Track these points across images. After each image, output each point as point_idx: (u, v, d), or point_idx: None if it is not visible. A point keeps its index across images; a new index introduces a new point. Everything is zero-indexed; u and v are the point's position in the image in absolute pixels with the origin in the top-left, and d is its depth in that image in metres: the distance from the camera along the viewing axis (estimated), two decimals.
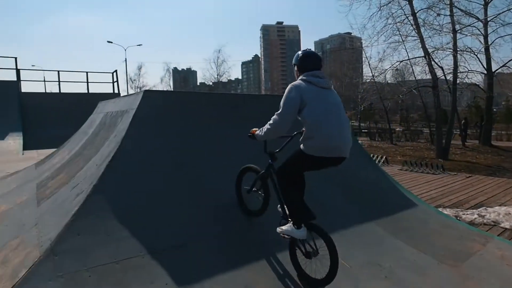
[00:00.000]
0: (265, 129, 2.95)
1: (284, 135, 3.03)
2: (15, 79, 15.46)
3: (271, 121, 2.89)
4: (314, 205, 3.96)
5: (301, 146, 2.83)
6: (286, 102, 2.81)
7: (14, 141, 12.20)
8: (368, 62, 23.38)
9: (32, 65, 42.79)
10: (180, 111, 4.13)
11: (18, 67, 15.66)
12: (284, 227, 2.97)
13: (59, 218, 3.01)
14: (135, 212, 3.05)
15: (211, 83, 61.78)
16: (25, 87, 15.61)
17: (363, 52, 24.57)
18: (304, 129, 2.84)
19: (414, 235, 4.12)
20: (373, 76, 22.25)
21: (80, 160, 4.31)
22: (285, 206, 3.04)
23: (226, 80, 67.02)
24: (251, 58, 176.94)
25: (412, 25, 16.60)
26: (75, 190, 3.34)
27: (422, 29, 16.35)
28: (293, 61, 3.08)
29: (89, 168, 3.61)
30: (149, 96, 3.93)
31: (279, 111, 2.83)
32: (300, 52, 3.08)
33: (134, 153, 3.47)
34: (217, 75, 59.26)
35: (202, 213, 3.35)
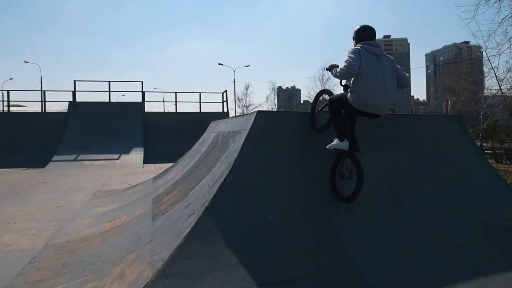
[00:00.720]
0: (338, 72, 3.44)
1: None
2: (140, 100, 17.40)
3: (342, 67, 3.37)
4: (445, 245, 3.39)
5: (348, 95, 3.44)
6: (352, 56, 3.32)
7: (137, 155, 13.63)
8: (495, 73, 20.38)
9: (155, 88, 48.30)
10: (294, 133, 3.92)
11: (143, 90, 17.62)
12: (332, 143, 3.64)
13: (171, 237, 3.02)
14: (246, 239, 2.89)
15: None
16: (148, 107, 17.47)
17: (489, 62, 21.45)
18: (352, 83, 3.42)
19: None
20: (500, 89, 19.43)
21: (193, 178, 4.39)
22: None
23: None
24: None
25: None
26: (187, 209, 3.35)
27: None
28: (352, 36, 3.63)
29: (201, 188, 3.61)
30: (262, 117, 3.81)
31: (347, 62, 3.31)
32: (357, 26, 3.62)
33: (246, 176, 3.35)
34: None
35: (316, 246, 3.05)
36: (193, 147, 6.80)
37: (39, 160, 12.70)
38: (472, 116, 35.09)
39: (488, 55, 18.91)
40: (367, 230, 3.34)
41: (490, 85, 24.98)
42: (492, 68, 19.94)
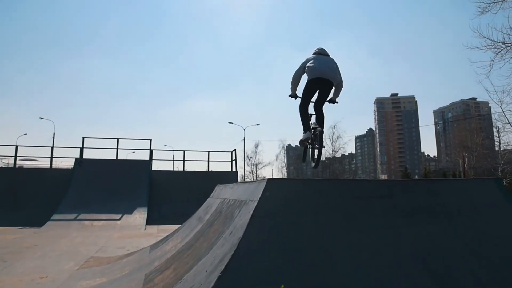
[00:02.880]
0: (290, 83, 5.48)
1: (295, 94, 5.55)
2: (148, 158, 17.03)
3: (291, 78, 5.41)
4: None
5: (307, 78, 5.20)
6: (299, 67, 5.29)
7: (140, 215, 12.92)
8: None
9: (165, 145, 48.41)
10: (312, 205, 3.24)
11: (152, 148, 17.30)
12: (300, 139, 5.34)
13: None
14: None
15: (324, 159, 61.02)
16: (157, 165, 17.09)
17: (505, 117, 20.67)
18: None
19: None
20: None
21: (191, 255, 3.71)
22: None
23: (340, 155, 65.60)
24: (365, 132, 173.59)
25: None
26: None
27: None
28: None
29: (198, 273, 2.92)
30: (273, 186, 3.17)
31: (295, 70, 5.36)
32: None
33: (253, 261, 2.65)
34: (332, 151, 58.47)
35: None
36: (195, 213, 6.15)
37: (39, 218, 12.13)
38: (489, 173, 34.03)
39: (504, 110, 18.41)
40: None
41: (506, 140, 24.40)
42: (509, 123, 19.36)
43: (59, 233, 10.36)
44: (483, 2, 12.03)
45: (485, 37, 12.28)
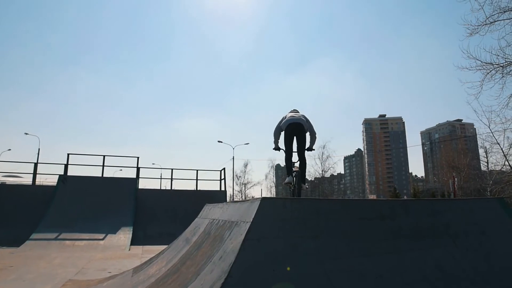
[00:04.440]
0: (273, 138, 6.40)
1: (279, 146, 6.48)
2: (135, 176, 16.52)
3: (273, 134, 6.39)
4: None
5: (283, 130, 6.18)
6: (277, 125, 6.33)
7: (124, 235, 12.39)
8: (501, 148, 19.83)
9: (153, 163, 47.50)
10: (311, 226, 2.95)
11: (139, 166, 16.76)
12: (285, 181, 6.30)
13: None
14: None
15: (313, 179, 60.87)
16: (144, 184, 16.57)
17: (493, 137, 20.71)
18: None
19: None
20: (509, 164, 18.74)
21: (176, 281, 3.37)
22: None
23: (329, 175, 65.57)
24: (353, 153, 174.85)
25: None
26: None
27: None
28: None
29: None
30: (268, 206, 2.89)
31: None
32: None
33: None
34: (322, 171, 58.39)
35: None
36: (182, 234, 5.80)
37: (19, 237, 11.52)
38: (477, 193, 34.23)
39: (492, 131, 18.50)
40: None
41: (494, 160, 24.60)
42: (498, 143, 19.42)
43: (37, 253, 9.83)
44: (471, 25, 12.16)
45: (474, 58, 12.36)
